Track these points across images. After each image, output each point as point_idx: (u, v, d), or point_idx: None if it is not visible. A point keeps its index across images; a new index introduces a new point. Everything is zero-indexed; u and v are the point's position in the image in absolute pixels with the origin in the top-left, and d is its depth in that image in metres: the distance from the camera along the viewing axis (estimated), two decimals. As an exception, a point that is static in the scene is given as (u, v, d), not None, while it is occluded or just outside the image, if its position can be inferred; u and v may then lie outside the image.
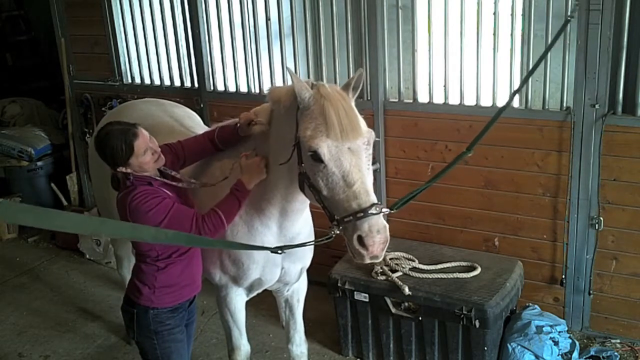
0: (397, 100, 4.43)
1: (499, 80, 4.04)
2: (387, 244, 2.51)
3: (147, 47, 5.45)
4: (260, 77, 4.89)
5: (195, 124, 3.82)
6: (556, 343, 3.72)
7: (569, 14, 3.62)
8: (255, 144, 2.95)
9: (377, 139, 2.65)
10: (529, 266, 4.15)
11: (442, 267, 3.95)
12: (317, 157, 2.50)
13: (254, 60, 4.87)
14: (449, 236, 4.42)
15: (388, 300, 3.83)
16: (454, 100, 4.22)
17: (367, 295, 3.87)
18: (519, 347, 3.69)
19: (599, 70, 3.70)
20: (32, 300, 5.11)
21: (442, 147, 4.28)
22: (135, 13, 5.41)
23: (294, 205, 2.94)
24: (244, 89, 5.00)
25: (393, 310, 3.83)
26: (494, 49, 4.01)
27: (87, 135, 5.88)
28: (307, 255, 3.29)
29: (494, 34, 4.00)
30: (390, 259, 4.00)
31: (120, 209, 2.84)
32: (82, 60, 5.89)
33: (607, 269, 4.02)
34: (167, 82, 5.45)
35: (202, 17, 4.98)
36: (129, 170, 2.79)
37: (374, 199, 2.48)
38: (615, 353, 3.86)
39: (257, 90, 4.90)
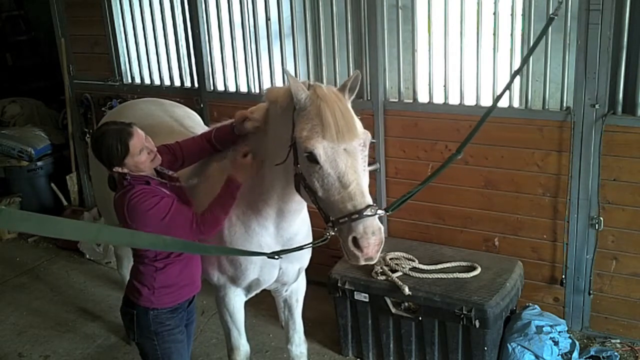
0: (397, 100, 4.43)
1: (499, 80, 4.04)
2: (382, 246, 2.51)
3: (147, 47, 5.45)
4: (260, 77, 4.89)
5: (195, 124, 3.82)
6: (556, 343, 3.72)
7: (552, 12, 3.60)
8: (251, 144, 2.95)
9: (373, 141, 2.65)
10: (529, 266, 4.15)
11: (442, 267, 3.95)
12: (312, 158, 2.50)
13: (254, 60, 4.87)
14: (449, 236, 4.42)
15: (388, 300, 3.83)
16: (454, 100, 4.22)
17: (367, 295, 3.87)
18: (519, 347, 3.69)
19: (599, 70, 3.70)
20: (32, 300, 5.11)
21: (442, 147, 4.28)
22: (135, 13, 5.41)
23: (291, 206, 2.93)
24: (244, 89, 5.00)
25: (393, 310, 3.83)
26: (494, 49, 4.02)
27: (87, 135, 5.88)
28: (305, 256, 3.29)
29: (494, 34, 4.00)
30: (390, 259, 4.00)
31: (117, 208, 2.82)
32: (82, 60, 5.89)
33: (607, 269, 4.02)
34: (167, 82, 5.45)
35: (202, 17, 4.98)
36: (125, 171, 2.78)
37: (369, 200, 2.48)
38: (615, 353, 3.86)
39: (257, 90, 4.90)
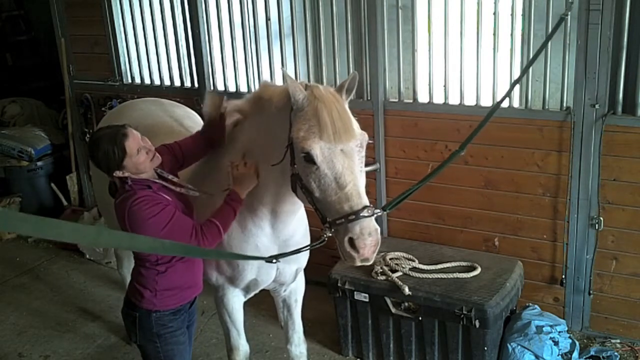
0: (397, 100, 4.43)
1: (499, 80, 4.04)
2: (379, 247, 2.50)
3: (147, 47, 5.45)
4: (260, 77, 4.89)
5: (195, 124, 3.81)
6: (556, 343, 3.72)
7: (563, 12, 3.61)
8: (242, 147, 2.93)
9: (370, 141, 2.64)
10: (529, 266, 4.15)
11: (442, 267, 3.95)
12: (309, 159, 2.50)
13: (254, 60, 4.87)
14: (449, 236, 4.42)
15: (388, 300, 3.83)
16: (454, 100, 4.22)
17: (367, 295, 3.87)
18: (519, 347, 3.69)
19: (599, 70, 3.70)
20: (32, 300, 5.11)
21: (442, 147, 4.28)
22: (135, 13, 5.41)
23: (285, 207, 2.93)
24: (244, 89, 5.00)
25: (393, 310, 3.83)
26: (494, 49, 4.01)
27: (87, 135, 5.87)
28: (302, 256, 3.28)
29: (494, 34, 4.00)
30: (390, 259, 4.00)
31: (118, 214, 2.79)
32: (82, 60, 5.89)
33: (607, 269, 4.02)
34: (167, 82, 5.45)
35: (202, 17, 4.98)
36: (126, 174, 2.74)
37: (366, 201, 2.48)
38: (615, 353, 3.86)
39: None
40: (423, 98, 4.34)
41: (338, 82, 4.38)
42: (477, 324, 3.58)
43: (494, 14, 3.98)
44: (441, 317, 3.69)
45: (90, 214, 5.87)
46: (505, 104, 4.00)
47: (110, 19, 5.49)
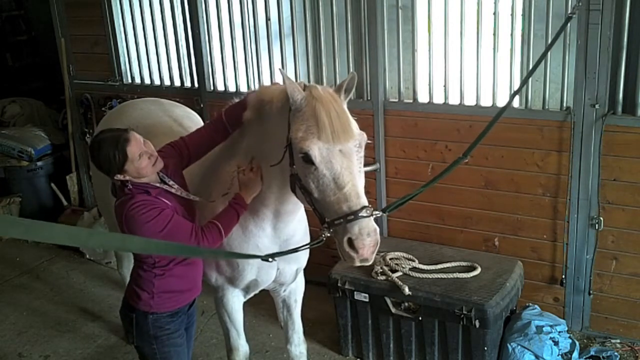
0: (397, 100, 4.43)
1: (499, 80, 4.04)
2: (378, 247, 2.50)
3: (147, 47, 5.45)
4: (260, 77, 4.89)
5: (195, 124, 3.80)
6: (556, 343, 3.72)
7: (569, 12, 3.61)
8: (251, 148, 2.92)
9: (369, 141, 2.64)
10: (529, 266, 4.14)
11: (442, 267, 3.95)
12: (308, 159, 2.49)
13: (254, 60, 4.87)
14: (449, 236, 4.42)
15: (388, 300, 3.83)
16: (454, 100, 4.22)
17: (367, 295, 3.87)
18: (519, 347, 3.69)
19: (599, 70, 3.70)
20: (32, 300, 5.11)
21: (442, 147, 4.28)
22: (135, 13, 5.41)
23: (287, 207, 2.93)
24: (244, 89, 5.00)
25: (393, 310, 3.83)
26: (494, 49, 4.01)
27: (87, 135, 5.88)
28: (302, 257, 3.28)
29: (494, 34, 4.00)
30: (390, 259, 4.00)
31: (117, 216, 2.79)
32: (82, 60, 5.89)
33: (607, 269, 4.02)
34: (167, 82, 5.45)
35: (202, 17, 4.98)
36: (127, 178, 2.73)
37: (364, 201, 2.47)
38: (615, 353, 3.86)
39: (257, 90, 4.90)
40: (423, 98, 4.34)
41: (338, 82, 4.40)
42: (477, 324, 3.58)
43: (494, 14, 3.98)
44: (441, 317, 3.69)
45: (90, 214, 5.87)
46: (505, 104, 4.00)
47: (110, 19, 5.49)
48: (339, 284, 3.93)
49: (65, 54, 5.93)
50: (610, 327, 4.12)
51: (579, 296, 4.12)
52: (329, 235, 2.54)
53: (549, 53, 3.86)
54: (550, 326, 3.79)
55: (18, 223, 1.36)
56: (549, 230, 4.11)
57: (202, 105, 5.14)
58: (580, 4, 3.62)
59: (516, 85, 3.92)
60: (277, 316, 3.71)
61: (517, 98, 4.11)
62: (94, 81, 5.80)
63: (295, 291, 3.51)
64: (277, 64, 4.78)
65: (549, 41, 3.81)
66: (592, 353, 3.88)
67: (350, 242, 2.45)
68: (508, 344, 3.73)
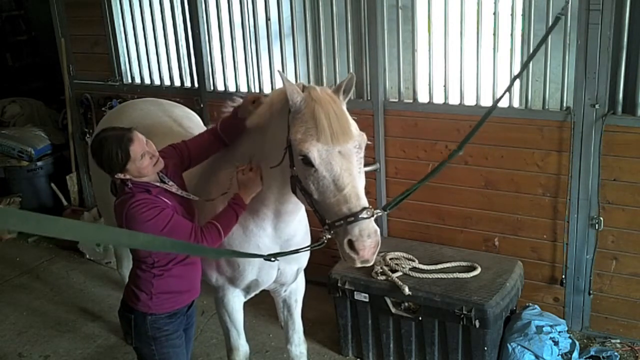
0: (397, 100, 4.43)
1: (499, 80, 4.04)
2: (378, 248, 2.50)
3: (147, 47, 5.45)
4: (260, 77, 4.89)
5: (194, 124, 3.81)
6: (556, 343, 3.72)
7: (558, 12, 3.61)
8: (251, 149, 2.92)
9: (368, 142, 2.63)
10: (529, 266, 4.15)
11: (442, 267, 3.95)
12: (307, 161, 2.49)
13: (254, 60, 4.87)
14: (449, 236, 4.42)
15: (388, 300, 3.83)
16: (454, 100, 4.22)
17: (367, 295, 3.87)
18: (519, 347, 3.69)
19: (599, 70, 3.70)
20: (32, 300, 5.11)
21: (442, 147, 4.28)
22: (135, 13, 5.41)
23: (288, 207, 2.93)
24: (244, 89, 5.00)
25: (393, 310, 3.83)
26: (494, 49, 4.01)
27: (87, 135, 5.88)
28: (303, 257, 3.28)
29: (494, 34, 4.00)
30: (390, 259, 4.00)
31: (117, 215, 2.79)
32: (82, 60, 5.89)
33: (607, 269, 4.02)
34: (167, 82, 5.45)
35: (202, 17, 4.98)
36: (127, 177, 2.73)
37: (364, 203, 2.47)
38: (615, 353, 3.86)
39: (257, 90, 4.90)
40: (423, 98, 4.34)
41: (338, 82, 4.40)
42: (477, 324, 3.58)
43: (494, 14, 3.98)
44: (441, 317, 3.69)
45: (90, 214, 5.87)
46: (505, 104, 4.00)
47: (110, 19, 5.49)
48: (339, 284, 3.93)
49: (65, 54, 5.93)
50: (610, 327, 4.12)
51: (579, 296, 4.12)
52: (329, 237, 2.54)
53: (549, 53, 3.88)
54: (550, 326, 3.79)
55: (26, 217, 1.36)
56: (549, 230, 4.11)
57: (202, 105, 5.14)
58: (569, 4, 3.62)
59: (516, 85, 3.92)
60: (277, 316, 3.71)
61: (517, 98, 4.12)
62: (94, 81, 5.80)
63: (296, 291, 3.51)
64: (277, 64, 4.78)
65: (549, 41, 3.81)
66: (592, 353, 3.88)
67: (351, 244, 2.45)
68: (508, 344, 3.73)
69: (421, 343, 3.85)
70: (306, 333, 3.67)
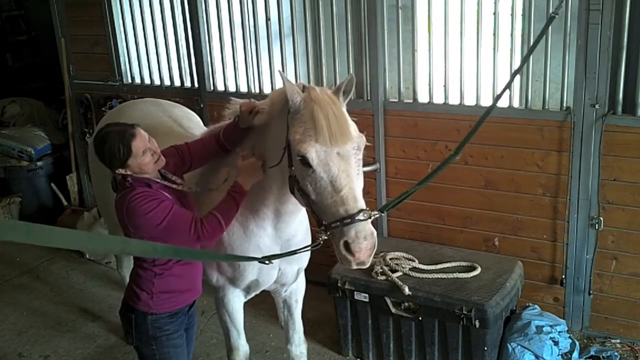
0: (397, 100, 4.43)
1: (499, 80, 4.04)
2: (375, 250, 2.49)
3: (147, 47, 5.45)
4: (260, 77, 4.89)
5: (194, 125, 3.81)
6: (556, 343, 3.72)
7: (552, 11, 3.61)
8: (253, 141, 2.93)
9: (368, 144, 2.63)
10: (529, 266, 4.15)
11: (442, 267, 3.95)
12: (305, 162, 2.49)
13: (254, 60, 4.87)
14: (449, 236, 4.42)
15: (388, 300, 3.83)
16: (454, 100, 4.22)
17: (367, 295, 3.87)
18: (519, 347, 3.69)
19: (599, 70, 3.70)
20: (32, 300, 5.11)
21: (442, 147, 4.28)
22: (135, 13, 5.41)
23: (288, 207, 2.93)
24: (244, 89, 5.00)
25: (393, 310, 3.83)
26: (494, 49, 4.01)
27: (87, 135, 5.88)
28: (303, 257, 3.28)
29: (494, 34, 4.00)
30: (390, 259, 4.00)
31: (117, 209, 2.79)
32: (82, 60, 5.89)
33: (607, 269, 4.02)
34: (167, 82, 5.45)
35: (202, 17, 4.98)
36: (128, 172, 2.75)
37: (362, 205, 2.46)
38: (615, 353, 3.86)
39: (257, 90, 4.90)
40: (423, 98, 4.34)
41: (338, 82, 4.40)
42: (477, 324, 3.58)
43: (494, 14, 3.98)
44: (441, 317, 3.69)
45: (90, 214, 5.87)
46: (505, 104, 4.00)
47: (110, 19, 5.49)
48: (339, 284, 3.93)
49: (65, 54, 5.93)
50: (610, 327, 4.12)
51: (579, 296, 4.12)
52: (326, 238, 2.54)
53: (549, 53, 3.88)
54: (550, 326, 3.79)
55: (18, 227, 1.35)
56: (549, 230, 4.11)
57: (202, 105, 5.14)
58: (562, 3, 3.61)
59: (516, 85, 3.92)
60: (277, 316, 3.71)
61: (517, 98, 4.12)
62: (94, 81, 5.80)
63: (296, 291, 3.51)
64: (277, 64, 4.78)
65: (549, 41, 3.81)
66: (592, 353, 3.88)
67: (347, 246, 2.44)
68: (508, 344, 3.73)
69: (421, 343, 3.85)
70: (306, 333, 3.67)
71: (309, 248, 2.76)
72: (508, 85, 3.60)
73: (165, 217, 2.70)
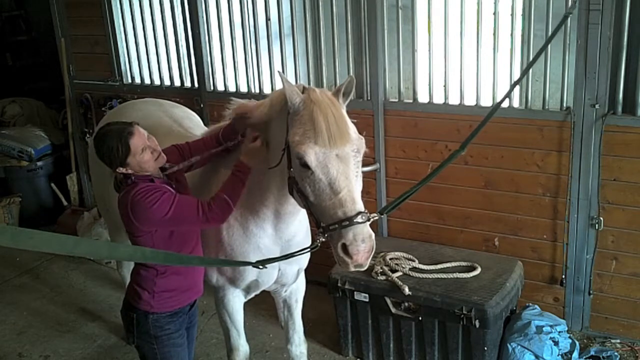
0: (397, 100, 4.43)
1: (499, 80, 4.04)
2: (373, 253, 2.49)
3: (147, 47, 5.45)
4: (260, 77, 4.89)
5: (195, 125, 3.81)
6: (556, 343, 3.72)
7: (567, 10, 3.61)
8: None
9: (366, 150, 2.62)
10: (529, 266, 4.15)
11: (442, 267, 3.95)
12: (304, 163, 2.48)
13: (254, 60, 4.87)
14: (449, 236, 4.42)
15: (388, 300, 3.83)
16: (454, 100, 4.22)
17: (367, 295, 3.87)
18: (519, 347, 3.69)
19: (599, 70, 3.70)
20: (32, 300, 5.11)
21: (442, 147, 4.28)
22: (135, 13, 5.41)
23: (287, 208, 2.92)
24: (244, 89, 5.00)
25: (393, 310, 3.83)
26: (494, 49, 4.01)
27: (87, 135, 5.89)
28: (303, 257, 3.26)
29: (494, 34, 4.00)
30: (390, 259, 4.00)
31: (121, 208, 2.79)
32: (82, 60, 5.89)
33: (607, 269, 4.02)
34: (167, 82, 5.45)
35: (202, 17, 4.98)
36: (129, 171, 2.75)
37: (360, 207, 2.45)
38: (615, 353, 3.86)
39: (257, 90, 4.90)
40: (423, 98, 4.34)
41: (338, 82, 4.41)
42: (477, 324, 3.58)
43: (494, 14, 3.98)
44: (441, 317, 3.69)
45: (90, 214, 5.87)
46: (505, 104, 4.00)
47: (110, 19, 5.49)
48: (339, 284, 3.93)
49: (65, 54, 5.93)
50: (610, 327, 4.12)
51: (579, 296, 4.12)
52: (323, 240, 2.53)
53: (548, 52, 3.87)
54: (550, 326, 3.79)
55: (3, 231, 1.35)
56: (549, 230, 4.11)
57: (202, 106, 5.14)
58: (577, 3, 3.62)
59: (515, 87, 3.91)
60: (277, 316, 3.71)
61: (517, 98, 4.12)
62: (94, 81, 5.81)
63: (297, 291, 3.51)
64: (277, 64, 4.78)
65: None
66: (592, 353, 3.88)
67: (345, 248, 2.43)
68: (508, 344, 3.73)
69: (421, 343, 3.85)
70: (306, 333, 3.67)
71: (306, 250, 2.74)
72: (508, 94, 3.61)
73: (170, 206, 2.70)
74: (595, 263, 4.01)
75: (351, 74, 4.42)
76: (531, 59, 3.91)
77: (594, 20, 3.63)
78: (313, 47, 4.68)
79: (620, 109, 3.76)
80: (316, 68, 4.78)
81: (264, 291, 3.38)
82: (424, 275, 3.86)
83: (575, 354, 3.77)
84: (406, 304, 3.80)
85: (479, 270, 3.87)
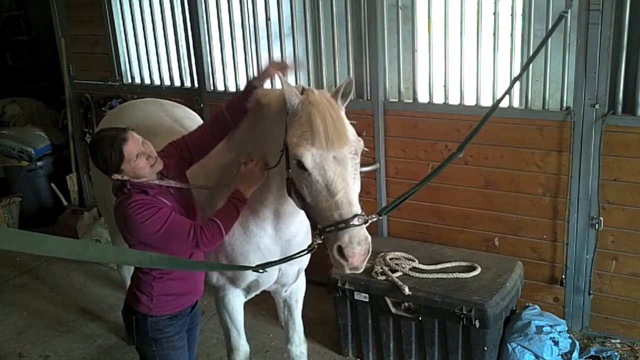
0: (397, 100, 4.43)
1: (499, 80, 4.04)
2: (369, 255, 2.48)
3: (147, 47, 5.45)
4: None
5: (195, 125, 3.78)
6: (556, 343, 3.72)
7: (563, 10, 3.61)
8: (251, 147, 2.90)
9: (366, 149, 2.61)
10: (529, 266, 4.15)
11: (442, 267, 3.95)
12: (301, 165, 2.48)
13: (254, 60, 4.87)
14: (449, 236, 4.42)
15: (388, 300, 3.83)
16: (454, 100, 4.22)
17: (367, 295, 3.87)
18: (519, 347, 3.69)
19: (599, 70, 3.70)
20: (32, 300, 5.11)
21: (442, 147, 4.28)
22: (135, 13, 5.41)
23: (287, 208, 2.92)
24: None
25: (393, 310, 3.83)
26: (494, 49, 4.01)
27: (87, 135, 5.89)
28: (304, 257, 3.27)
29: (494, 34, 4.00)
30: (390, 259, 4.01)
31: (116, 216, 2.78)
32: (82, 60, 5.89)
33: (607, 269, 4.02)
34: (167, 82, 5.45)
35: (202, 17, 4.98)
36: (125, 178, 2.72)
37: (357, 209, 2.45)
38: (615, 353, 3.86)
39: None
40: (423, 98, 4.34)
41: (338, 83, 4.41)
42: (477, 324, 3.58)
43: (494, 14, 3.98)
44: (441, 317, 3.69)
45: (91, 214, 5.87)
46: (505, 104, 4.00)
47: (110, 19, 5.49)
48: (339, 284, 3.93)
49: (65, 54, 5.93)
50: (610, 327, 4.12)
51: (579, 296, 4.12)
52: (320, 242, 2.53)
53: (549, 53, 3.88)
54: (550, 326, 3.79)
55: (17, 236, 1.35)
56: (549, 230, 4.12)
57: (202, 105, 5.14)
58: (571, 2, 3.62)
59: (516, 85, 3.92)
60: (277, 316, 3.72)
61: (517, 98, 4.12)
62: (94, 81, 5.81)
63: (297, 291, 3.51)
64: (277, 64, 4.77)
65: (549, 41, 3.80)
66: (592, 353, 3.88)
67: (340, 250, 2.43)
68: (508, 344, 3.73)
69: (421, 343, 3.85)
70: (306, 333, 3.67)
71: (304, 253, 2.74)
72: (508, 91, 3.61)
73: (162, 224, 2.68)
74: (595, 263, 4.01)
75: (351, 74, 4.42)
76: (531, 61, 3.91)
77: (594, 20, 3.63)
78: (313, 47, 4.67)
79: (620, 109, 3.76)
80: (316, 68, 4.78)
81: (264, 291, 3.39)
82: (424, 275, 3.86)
83: (575, 354, 3.77)
84: (406, 304, 3.80)
85: (479, 270, 3.88)
